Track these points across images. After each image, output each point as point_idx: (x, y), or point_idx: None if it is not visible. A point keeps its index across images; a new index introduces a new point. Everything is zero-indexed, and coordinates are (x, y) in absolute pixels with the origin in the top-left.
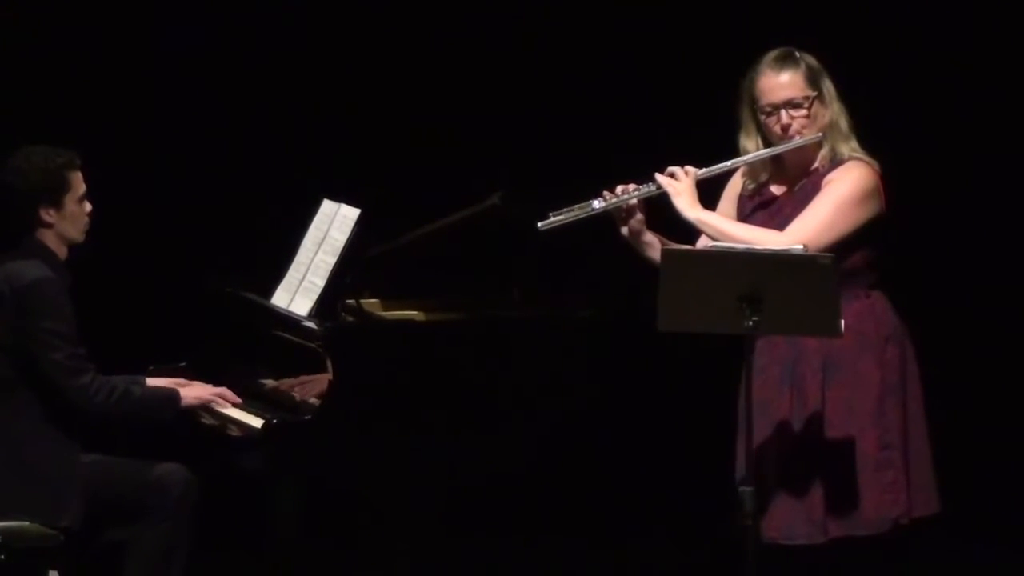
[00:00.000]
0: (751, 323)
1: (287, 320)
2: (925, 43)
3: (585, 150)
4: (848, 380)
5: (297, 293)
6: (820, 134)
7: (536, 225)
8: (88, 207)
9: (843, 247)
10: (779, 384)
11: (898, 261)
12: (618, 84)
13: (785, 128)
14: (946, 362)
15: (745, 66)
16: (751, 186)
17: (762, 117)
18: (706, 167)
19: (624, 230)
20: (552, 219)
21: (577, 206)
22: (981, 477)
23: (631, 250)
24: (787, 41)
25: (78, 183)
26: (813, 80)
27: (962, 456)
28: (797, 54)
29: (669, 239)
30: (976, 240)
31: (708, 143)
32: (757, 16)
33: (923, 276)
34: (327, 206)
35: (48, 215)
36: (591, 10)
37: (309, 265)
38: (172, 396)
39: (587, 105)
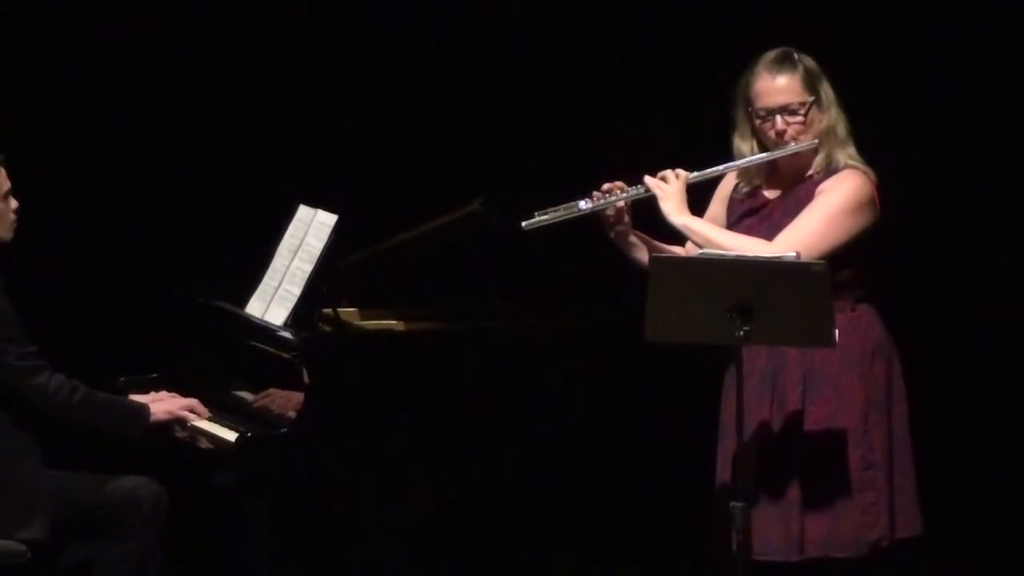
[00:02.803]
0: (742, 333)
1: (262, 330)
2: (923, 50)
3: (571, 154)
4: (831, 395)
5: (272, 302)
6: (815, 141)
7: (520, 224)
8: (14, 204)
9: (832, 259)
10: (759, 395)
11: (890, 273)
12: (607, 86)
13: (780, 134)
14: (935, 379)
15: (741, 65)
16: (744, 189)
17: (757, 121)
18: (698, 171)
19: (611, 232)
20: (537, 218)
21: (563, 206)
22: (967, 499)
23: (617, 251)
24: (784, 40)
25: (1, 179)
26: (811, 84)
27: (949, 477)
28: (796, 56)
29: (657, 240)
30: (972, 253)
31: (702, 145)
32: (757, 13)
33: (916, 290)
34: (303, 212)
35: None
36: (578, 10)
37: (284, 273)
38: (140, 409)
39: (573, 108)
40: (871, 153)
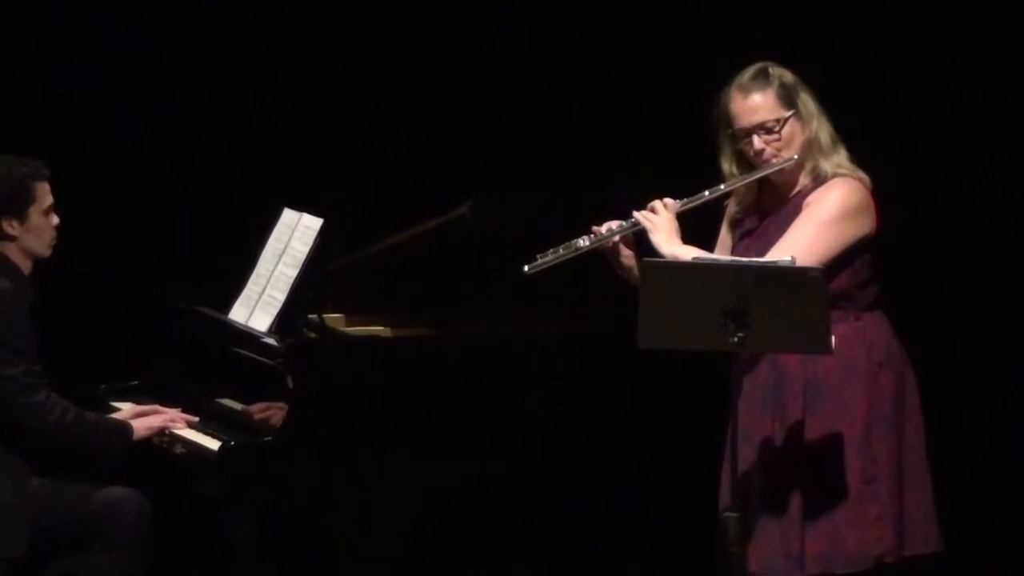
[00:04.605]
0: (736, 339)
1: (246, 336)
2: (929, 49)
3: (561, 157)
4: (833, 408)
5: (256, 308)
6: (794, 156)
7: (523, 268)
8: (55, 220)
9: (828, 269)
10: (761, 412)
11: (909, 282)
12: (597, 88)
13: (759, 153)
14: (953, 391)
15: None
16: (735, 210)
17: (736, 142)
18: (686, 198)
19: (617, 268)
20: (539, 261)
21: (563, 246)
22: (988, 515)
23: (626, 285)
24: (773, 51)
25: (44, 194)
26: (787, 99)
27: (969, 492)
28: (770, 72)
29: None
30: (995, 261)
31: (694, 159)
32: (746, 27)
33: (935, 300)
34: (288, 216)
35: (11, 227)
36: (569, 15)
37: (269, 278)
38: (124, 430)
39: (564, 111)
40: (886, 160)
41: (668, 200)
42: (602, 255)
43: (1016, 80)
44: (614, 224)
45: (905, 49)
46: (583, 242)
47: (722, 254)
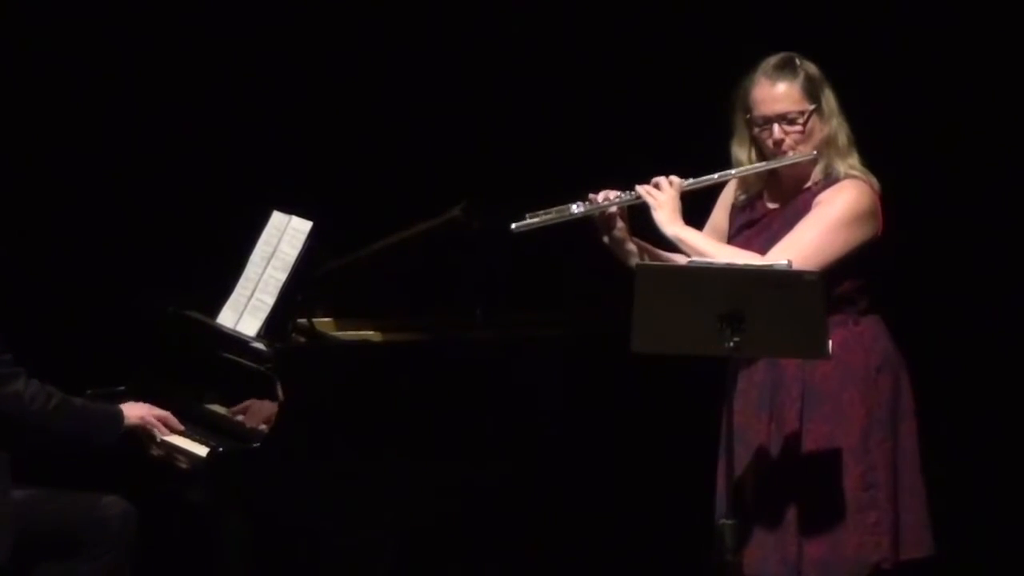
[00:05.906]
0: (732, 344)
1: (234, 341)
2: (927, 48)
3: (557, 158)
4: (830, 413)
5: (245, 312)
6: (813, 152)
7: (510, 226)
8: None
9: (831, 272)
10: (757, 411)
11: (900, 284)
12: (595, 86)
13: (778, 143)
14: (948, 394)
15: (742, 67)
16: (742, 197)
17: (755, 129)
18: (693, 178)
19: (605, 238)
20: (528, 221)
21: (555, 209)
22: (981, 519)
23: (613, 258)
24: (783, 41)
25: None
26: (812, 92)
27: (962, 496)
28: (797, 62)
29: (656, 247)
30: (990, 261)
31: (699, 150)
32: (758, 14)
33: (931, 300)
34: (277, 218)
35: None
36: (568, 7)
37: (258, 282)
38: (116, 414)
39: (562, 110)
40: (885, 160)
41: (674, 178)
42: (592, 223)
43: (1016, 81)
44: (612, 194)
45: (902, 48)
46: (576, 208)
47: (715, 237)
